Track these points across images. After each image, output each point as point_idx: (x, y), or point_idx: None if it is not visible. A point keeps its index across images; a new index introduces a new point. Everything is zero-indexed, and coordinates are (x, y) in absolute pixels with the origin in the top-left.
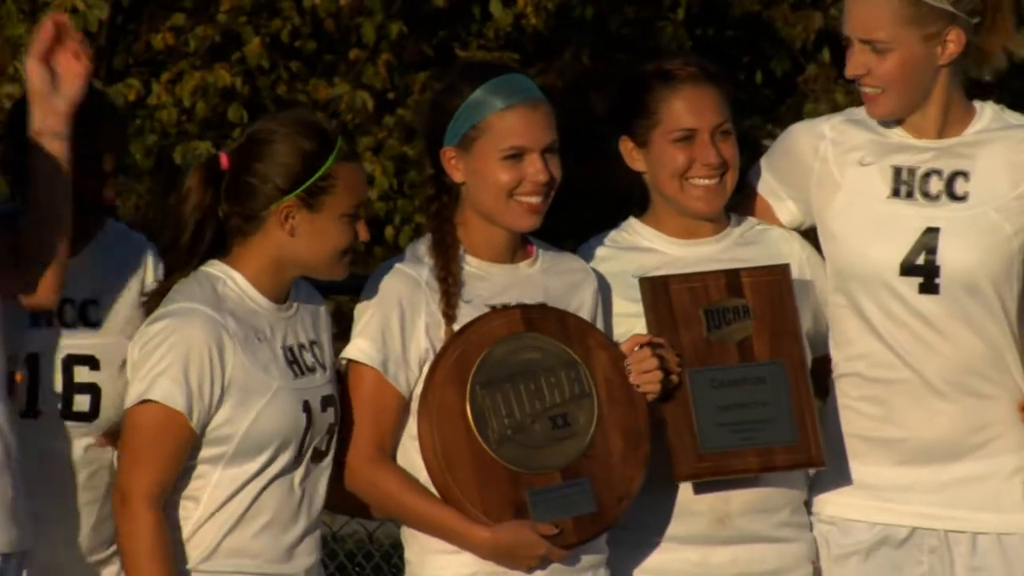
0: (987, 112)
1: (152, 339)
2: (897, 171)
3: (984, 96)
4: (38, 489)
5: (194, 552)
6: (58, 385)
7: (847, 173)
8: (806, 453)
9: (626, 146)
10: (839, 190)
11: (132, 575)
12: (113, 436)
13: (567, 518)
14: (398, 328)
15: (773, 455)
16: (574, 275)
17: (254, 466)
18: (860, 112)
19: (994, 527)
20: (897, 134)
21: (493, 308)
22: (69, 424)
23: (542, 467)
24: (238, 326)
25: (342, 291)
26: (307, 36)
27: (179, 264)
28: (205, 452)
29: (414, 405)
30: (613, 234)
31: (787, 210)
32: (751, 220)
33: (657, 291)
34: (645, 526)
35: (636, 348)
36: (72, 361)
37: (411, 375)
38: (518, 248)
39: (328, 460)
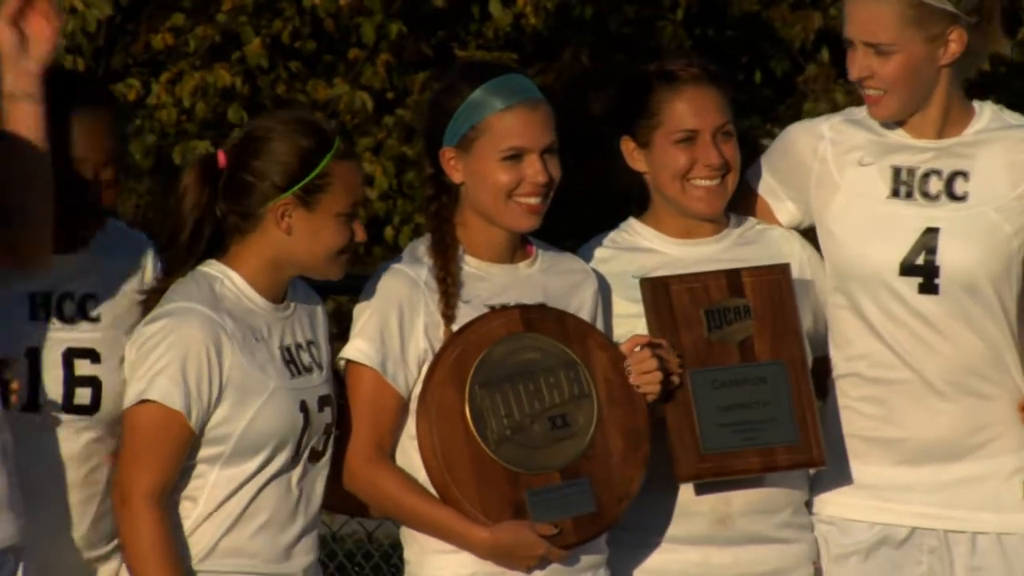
0: (986, 112)
1: (150, 339)
2: (896, 171)
3: (983, 96)
4: (38, 483)
5: (192, 552)
6: (59, 379)
7: (846, 173)
8: (807, 453)
9: (627, 146)
10: (838, 190)
11: (139, 575)
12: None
13: (566, 518)
14: (397, 328)
15: (774, 455)
16: (574, 275)
17: (252, 466)
18: (859, 112)
19: (994, 527)
20: (896, 134)
21: (492, 308)
22: (70, 418)
23: (541, 467)
24: (235, 326)
25: (342, 291)
26: (306, 36)
27: (177, 263)
28: (203, 452)
29: (413, 405)
30: (613, 235)
31: (786, 210)
32: (751, 220)
33: (658, 292)
34: (645, 527)
35: (636, 349)
36: (73, 354)
37: (410, 375)
38: (517, 248)
39: (325, 460)
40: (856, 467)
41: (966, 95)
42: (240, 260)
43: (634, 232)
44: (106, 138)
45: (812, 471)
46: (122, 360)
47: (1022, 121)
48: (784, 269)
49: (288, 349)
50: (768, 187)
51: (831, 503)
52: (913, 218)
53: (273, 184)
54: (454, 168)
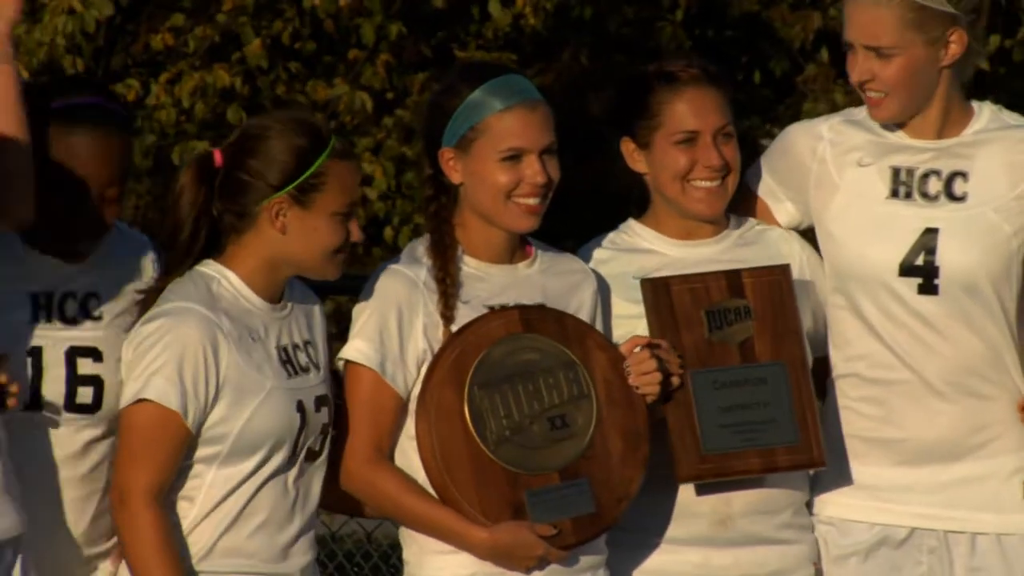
0: (985, 112)
1: (147, 338)
2: (896, 172)
3: (983, 96)
4: (38, 480)
5: (191, 552)
6: (61, 378)
7: (845, 174)
8: (808, 454)
9: (627, 147)
10: (837, 191)
11: (141, 575)
12: None
13: (566, 519)
14: (396, 329)
15: (775, 456)
16: (573, 276)
17: (249, 466)
18: (858, 113)
19: (993, 527)
20: (895, 135)
21: (491, 309)
22: (71, 416)
23: (540, 468)
24: (232, 325)
25: (341, 292)
26: (306, 37)
27: (175, 263)
28: (200, 451)
29: (412, 406)
30: (612, 236)
31: (785, 211)
32: (750, 221)
33: (658, 292)
34: (645, 527)
35: (635, 349)
36: (75, 353)
37: (409, 376)
38: (517, 249)
39: (322, 460)
40: (856, 468)
41: (966, 95)
42: (237, 260)
43: (633, 233)
44: (117, 160)
45: (812, 472)
46: (120, 361)
47: (1021, 121)
48: (784, 270)
49: (285, 349)
50: (767, 188)
51: (831, 504)
52: (912, 218)
53: (268, 183)
54: (453, 169)
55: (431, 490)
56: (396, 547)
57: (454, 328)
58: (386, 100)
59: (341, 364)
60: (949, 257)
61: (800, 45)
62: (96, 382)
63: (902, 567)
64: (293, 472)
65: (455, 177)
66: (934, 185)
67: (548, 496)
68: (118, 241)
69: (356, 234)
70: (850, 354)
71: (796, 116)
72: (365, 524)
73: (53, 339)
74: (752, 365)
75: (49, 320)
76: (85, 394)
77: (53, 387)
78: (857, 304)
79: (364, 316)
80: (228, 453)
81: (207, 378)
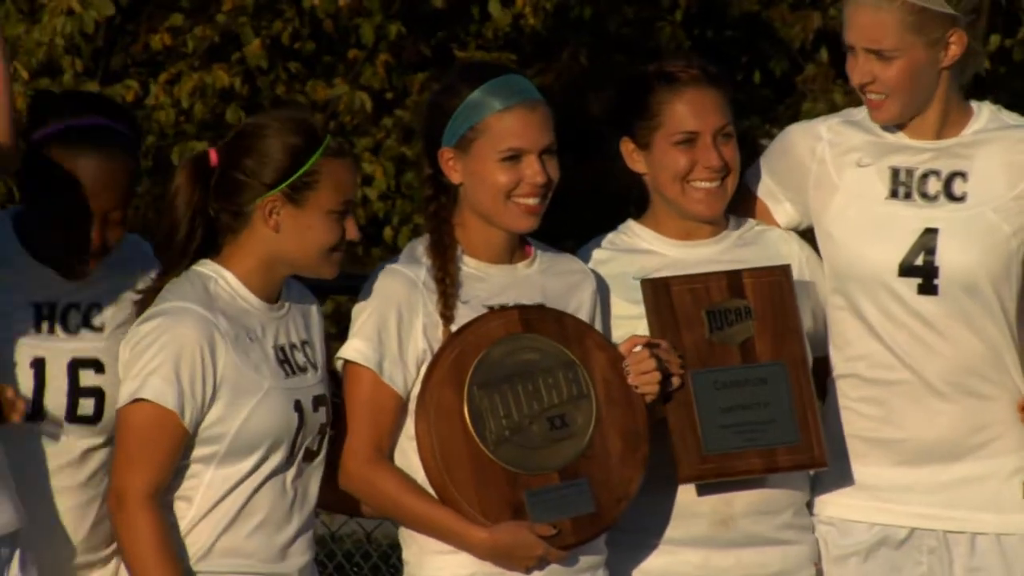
0: (984, 112)
1: (144, 338)
2: (895, 172)
3: (983, 96)
4: (38, 487)
5: (189, 552)
6: (63, 389)
7: (845, 174)
8: (808, 453)
9: (627, 147)
10: (837, 191)
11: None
12: None
13: (565, 519)
14: (395, 328)
15: (776, 456)
16: (572, 276)
17: (246, 466)
18: (857, 113)
19: (993, 528)
20: (895, 135)
21: (491, 309)
22: (72, 427)
23: (540, 468)
24: (229, 325)
25: (341, 291)
26: (306, 37)
27: (172, 263)
28: (197, 451)
29: (412, 406)
30: (611, 236)
31: (784, 212)
32: (750, 221)
33: (659, 292)
34: (645, 528)
35: (634, 349)
36: (78, 365)
37: (408, 375)
38: (516, 249)
39: (320, 460)
40: (856, 468)
41: (966, 95)
42: (234, 260)
43: (633, 234)
44: (123, 184)
45: (813, 472)
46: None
47: (1020, 121)
48: (785, 270)
49: (282, 349)
50: (766, 189)
51: (831, 504)
52: (912, 219)
53: (262, 181)
54: (453, 168)
55: (431, 490)
56: (396, 547)
57: (454, 328)
58: (386, 100)
59: (340, 364)
60: (949, 257)
61: (800, 45)
62: (97, 394)
63: (902, 567)
64: (291, 472)
65: (455, 177)
66: (933, 185)
67: (548, 496)
68: (123, 251)
69: (352, 232)
70: (850, 354)
71: (796, 116)
72: (364, 524)
73: (56, 351)
74: (753, 365)
75: (51, 331)
76: (87, 406)
77: (55, 399)
78: (857, 304)
79: (363, 316)
80: (226, 453)
81: (204, 378)
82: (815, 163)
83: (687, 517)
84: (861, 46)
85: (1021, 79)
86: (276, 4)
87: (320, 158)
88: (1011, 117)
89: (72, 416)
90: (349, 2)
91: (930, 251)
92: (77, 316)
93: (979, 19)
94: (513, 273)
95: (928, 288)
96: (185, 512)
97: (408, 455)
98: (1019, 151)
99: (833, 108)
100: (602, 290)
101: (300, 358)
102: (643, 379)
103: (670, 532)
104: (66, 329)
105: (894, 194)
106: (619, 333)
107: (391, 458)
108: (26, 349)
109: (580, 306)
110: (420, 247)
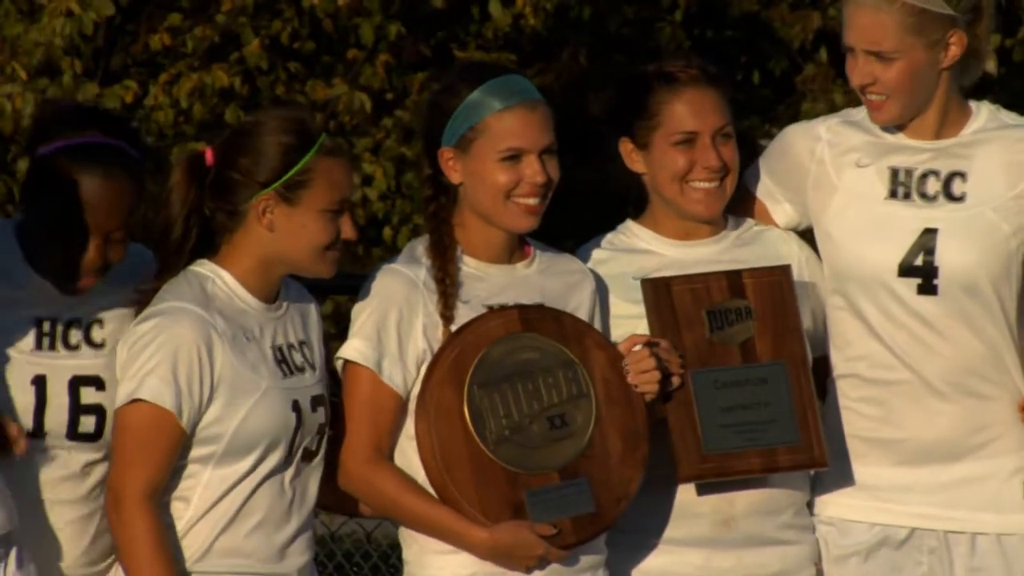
0: (983, 112)
1: (141, 338)
2: (894, 172)
3: (983, 96)
4: (37, 502)
5: (187, 552)
6: (64, 407)
7: (844, 175)
8: (809, 453)
9: (626, 147)
10: (836, 192)
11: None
12: None
13: (565, 518)
14: (395, 328)
15: (776, 456)
16: (571, 276)
17: (244, 466)
18: (857, 113)
19: (993, 528)
20: (894, 135)
21: (490, 308)
22: (73, 444)
23: (540, 467)
24: (227, 325)
25: (340, 291)
26: (305, 37)
27: (169, 263)
28: (195, 452)
29: (412, 406)
30: (610, 236)
31: (783, 212)
32: (748, 221)
33: (659, 292)
34: (644, 528)
35: (634, 348)
36: (79, 382)
37: (408, 375)
38: (515, 249)
39: (319, 460)
40: (856, 468)
41: (965, 95)
42: (230, 259)
43: (631, 234)
44: (127, 204)
45: (813, 472)
46: None
47: (1019, 121)
48: (785, 270)
49: (280, 349)
50: (765, 189)
51: (831, 504)
52: (911, 219)
53: (256, 180)
54: (453, 168)
55: (431, 490)
56: (396, 547)
57: (453, 328)
58: (385, 100)
59: (340, 364)
60: (948, 257)
61: (799, 45)
62: (98, 411)
63: (902, 567)
64: (289, 472)
65: (455, 177)
66: (933, 185)
67: (548, 496)
68: (126, 264)
69: (348, 231)
70: (850, 355)
71: (795, 116)
72: (364, 524)
73: (57, 368)
74: (753, 365)
75: (52, 347)
76: (88, 423)
77: (56, 416)
78: (857, 305)
79: (363, 315)
80: (223, 453)
81: (201, 378)
82: (814, 163)
83: (688, 517)
84: (861, 47)
85: (1021, 79)
86: (275, 4)
87: (314, 157)
88: (1010, 117)
89: (73, 434)
90: (348, 2)
91: (929, 251)
92: (79, 332)
93: (981, 19)
94: (512, 273)
95: (928, 288)
96: (183, 512)
97: (408, 455)
98: (1018, 151)
99: (833, 108)
100: (601, 290)
101: (298, 358)
102: (642, 378)
103: (670, 532)
104: (67, 346)
105: (893, 194)
106: (618, 333)
107: (391, 458)
108: (27, 366)
109: (579, 306)
110: (420, 247)
